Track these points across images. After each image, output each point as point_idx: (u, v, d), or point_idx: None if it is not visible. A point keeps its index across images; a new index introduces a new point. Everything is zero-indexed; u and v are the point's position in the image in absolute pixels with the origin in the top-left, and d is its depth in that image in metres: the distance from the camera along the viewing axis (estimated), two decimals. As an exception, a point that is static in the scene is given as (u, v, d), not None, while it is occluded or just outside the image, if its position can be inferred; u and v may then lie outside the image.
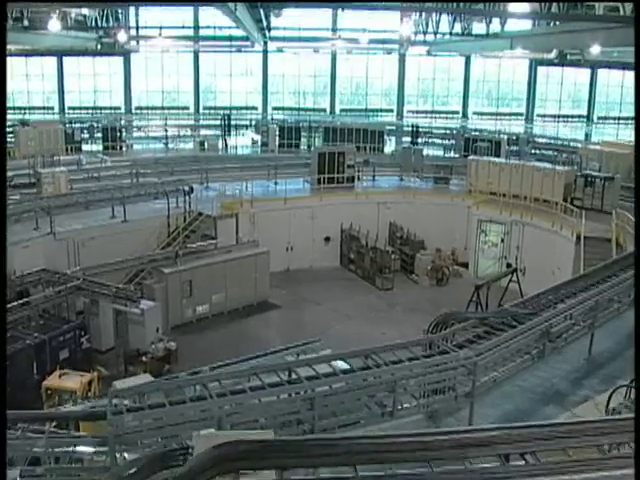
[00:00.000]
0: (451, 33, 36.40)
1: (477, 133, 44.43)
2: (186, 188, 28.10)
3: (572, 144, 44.10)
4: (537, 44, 34.29)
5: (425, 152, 40.60)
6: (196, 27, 49.36)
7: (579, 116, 58.16)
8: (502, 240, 30.43)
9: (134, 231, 26.42)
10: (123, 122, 47.94)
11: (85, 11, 37.35)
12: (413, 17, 35.71)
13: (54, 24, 26.40)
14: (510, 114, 56.01)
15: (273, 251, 28.34)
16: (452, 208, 32.30)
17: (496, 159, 33.97)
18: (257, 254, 26.89)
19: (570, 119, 57.76)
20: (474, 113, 55.59)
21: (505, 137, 42.20)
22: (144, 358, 20.86)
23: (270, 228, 29.67)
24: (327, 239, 32.08)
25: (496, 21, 43.18)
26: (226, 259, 25.99)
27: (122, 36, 39.45)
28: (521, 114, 56.16)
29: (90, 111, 53.43)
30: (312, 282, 30.26)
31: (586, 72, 55.90)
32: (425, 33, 37.35)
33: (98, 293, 21.57)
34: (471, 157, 34.80)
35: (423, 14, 37.55)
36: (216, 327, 25.06)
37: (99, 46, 45.56)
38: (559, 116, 56.73)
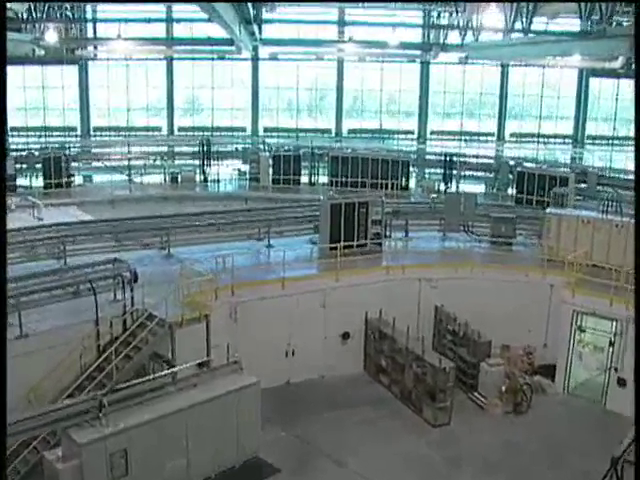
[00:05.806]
0: (526, 31, 25.99)
1: (532, 165, 34.14)
2: (127, 274, 17.69)
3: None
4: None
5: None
6: (168, 20, 39.28)
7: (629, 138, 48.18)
8: (611, 343, 20.22)
9: (38, 352, 15.96)
10: (73, 149, 37.53)
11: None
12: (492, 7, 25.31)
13: None
14: (555, 136, 45.95)
15: (267, 358, 18.82)
16: (527, 287, 22.06)
17: (588, 213, 23.49)
18: (240, 389, 16.42)
19: (621, 141, 47.76)
20: (511, 135, 45.53)
21: (572, 172, 31.96)
22: None
23: (261, 324, 19.68)
24: (345, 335, 21.79)
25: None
26: (189, 404, 15.54)
27: (51, 36, 29.06)
28: (568, 136, 46.12)
29: (38, 133, 43.49)
30: (325, 408, 19.90)
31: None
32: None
33: None
34: (550, 210, 24.42)
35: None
36: (170, 525, 14.72)
37: (40, 51, 35.01)
38: (613, 138, 46.73)
